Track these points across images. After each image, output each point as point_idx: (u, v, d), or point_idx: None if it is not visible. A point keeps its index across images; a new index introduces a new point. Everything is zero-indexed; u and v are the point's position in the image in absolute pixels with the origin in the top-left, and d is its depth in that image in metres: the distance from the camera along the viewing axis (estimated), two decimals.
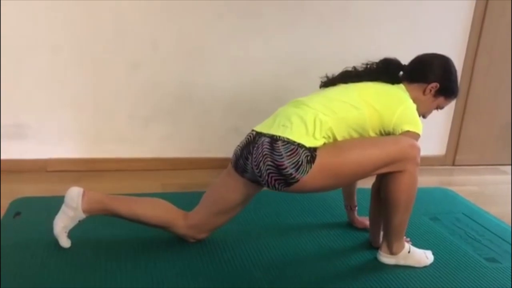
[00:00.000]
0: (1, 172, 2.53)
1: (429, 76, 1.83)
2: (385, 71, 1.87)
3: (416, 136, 1.73)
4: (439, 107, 1.91)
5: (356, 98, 1.74)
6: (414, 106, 1.77)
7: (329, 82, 1.89)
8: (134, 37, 2.64)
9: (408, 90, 1.82)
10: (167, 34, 2.68)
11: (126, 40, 2.64)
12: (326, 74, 1.91)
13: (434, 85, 1.83)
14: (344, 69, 1.90)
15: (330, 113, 1.69)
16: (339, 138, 1.70)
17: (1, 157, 2.61)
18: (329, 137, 1.68)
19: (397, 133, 1.72)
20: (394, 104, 1.74)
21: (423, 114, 1.89)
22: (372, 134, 1.74)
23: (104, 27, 2.59)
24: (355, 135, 1.73)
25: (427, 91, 1.83)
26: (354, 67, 1.89)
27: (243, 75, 2.86)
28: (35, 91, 2.60)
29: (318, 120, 1.66)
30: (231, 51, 2.80)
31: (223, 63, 2.81)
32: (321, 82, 1.92)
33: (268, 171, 1.62)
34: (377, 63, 1.89)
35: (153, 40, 2.68)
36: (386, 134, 1.75)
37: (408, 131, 1.72)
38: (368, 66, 1.89)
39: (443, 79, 1.84)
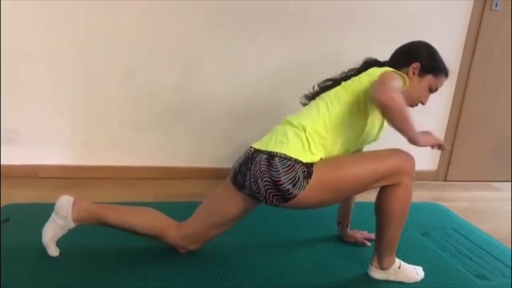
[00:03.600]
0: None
1: (409, 58, 1.84)
2: (366, 69, 1.84)
3: (390, 73, 1.69)
4: (432, 87, 1.86)
5: (331, 95, 1.77)
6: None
7: (311, 96, 1.91)
8: (130, 46, 2.65)
9: None
10: (163, 43, 2.69)
11: (122, 48, 2.64)
12: (309, 90, 1.92)
13: (415, 65, 1.83)
14: (323, 80, 1.91)
15: (316, 122, 1.71)
16: (331, 142, 1.70)
17: None
18: (325, 147, 1.69)
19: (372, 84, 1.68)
20: (368, 73, 1.75)
21: (419, 100, 1.85)
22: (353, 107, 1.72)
23: (100, 35, 2.59)
24: (343, 129, 1.72)
25: (410, 73, 1.82)
26: (332, 78, 1.90)
27: (238, 85, 2.87)
28: (29, 97, 2.60)
29: (309, 134, 1.68)
30: (226, 62, 2.81)
31: (218, 73, 2.82)
32: (305, 97, 1.93)
33: (266, 187, 1.63)
34: (358, 67, 1.91)
35: (149, 49, 2.68)
36: (363, 98, 1.72)
37: (381, 74, 1.69)
38: (348, 72, 1.90)
39: (423, 57, 1.84)
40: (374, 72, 1.73)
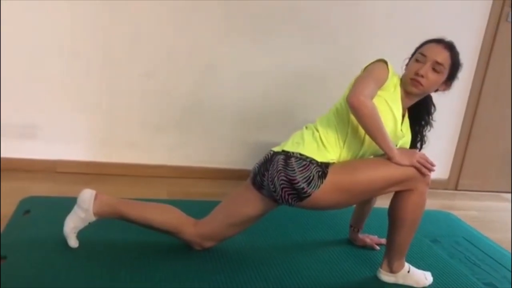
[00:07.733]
0: (11, 170, 2.58)
1: None
2: None
3: (371, 66, 1.76)
4: (418, 58, 1.80)
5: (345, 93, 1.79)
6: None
7: None
8: (149, 47, 2.71)
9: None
10: (181, 46, 2.75)
11: (141, 49, 2.70)
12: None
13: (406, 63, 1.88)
14: None
15: (324, 121, 1.81)
16: (342, 138, 1.75)
17: (12, 155, 2.65)
18: (340, 146, 1.74)
19: None
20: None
21: (413, 73, 1.77)
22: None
23: (121, 37, 2.66)
24: (347, 126, 1.76)
25: (404, 67, 1.86)
26: None
27: (252, 89, 2.92)
28: (50, 94, 2.66)
29: (322, 133, 1.75)
30: (240, 65, 2.86)
31: (232, 77, 2.87)
32: None
33: (282, 185, 1.68)
34: None
35: (167, 52, 2.74)
36: None
37: (365, 68, 1.77)
38: None
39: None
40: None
